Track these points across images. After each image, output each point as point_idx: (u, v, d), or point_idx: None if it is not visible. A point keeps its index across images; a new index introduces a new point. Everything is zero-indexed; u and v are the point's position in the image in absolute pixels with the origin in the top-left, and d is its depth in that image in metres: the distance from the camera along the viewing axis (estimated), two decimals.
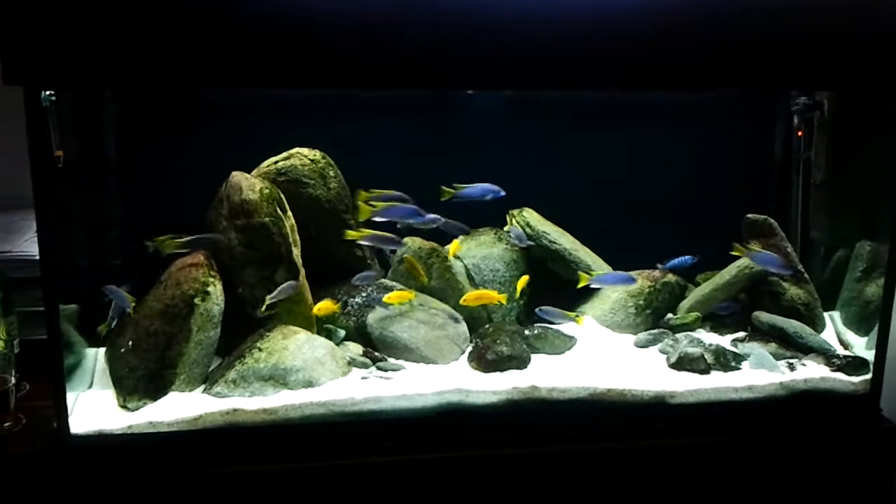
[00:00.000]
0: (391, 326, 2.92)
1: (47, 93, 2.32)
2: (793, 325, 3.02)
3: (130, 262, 2.97)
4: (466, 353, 2.95)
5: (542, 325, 3.08)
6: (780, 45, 2.47)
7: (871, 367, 2.80)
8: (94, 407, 2.57)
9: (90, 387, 2.71)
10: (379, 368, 2.80)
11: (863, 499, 2.78)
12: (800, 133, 3.36)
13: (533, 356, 2.90)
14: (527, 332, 3.01)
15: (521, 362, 2.83)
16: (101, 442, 2.44)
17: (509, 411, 2.67)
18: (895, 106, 2.74)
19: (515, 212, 3.31)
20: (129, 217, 3.08)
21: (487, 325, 3.04)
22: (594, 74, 2.47)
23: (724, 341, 3.06)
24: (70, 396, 2.45)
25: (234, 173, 2.79)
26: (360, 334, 2.95)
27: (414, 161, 3.28)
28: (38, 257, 2.37)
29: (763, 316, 3.09)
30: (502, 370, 2.80)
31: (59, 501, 2.40)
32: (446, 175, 3.25)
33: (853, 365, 2.83)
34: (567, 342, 3.02)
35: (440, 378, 2.74)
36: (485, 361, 2.82)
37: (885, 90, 2.71)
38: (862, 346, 2.97)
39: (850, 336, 3.07)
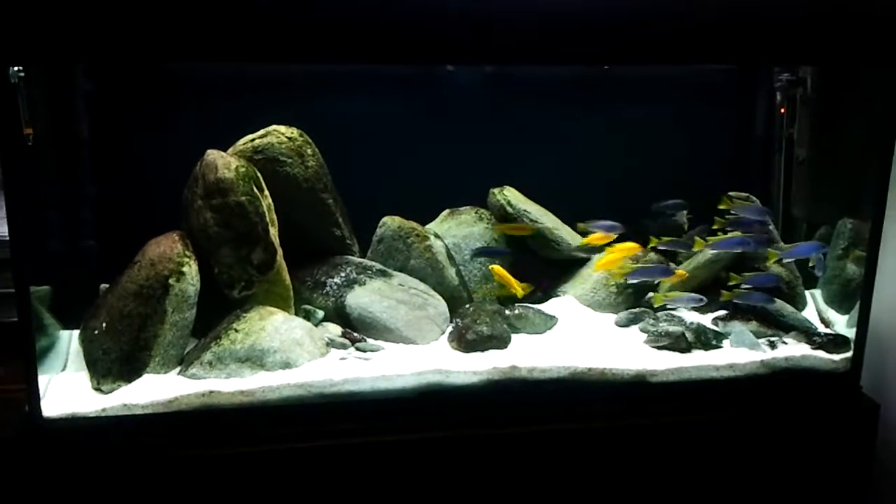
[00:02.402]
0: (370, 307, 2.89)
1: (16, 69, 2.26)
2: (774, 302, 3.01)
3: None
4: (446, 333, 2.93)
5: (523, 304, 3.06)
6: (766, 20, 2.44)
7: (852, 344, 2.80)
8: (67, 390, 2.53)
9: (63, 369, 2.67)
10: (358, 349, 2.78)
11: (843, 475, 2.79)
12: (783, 110, 3.34)
13: (513, 336, 2.89)
14: (507, 311, 2.99)
15: (501, 342, 2.82)
16: (74, 425, 2.41)
17: (489, 391, 2.66)
18: (879, 82, 2.71)
19: (496, 190, 3.28)
20: (103, 196, 3.03)
21: (468, 305, 3.01)
22: (579, 49, 2.44)
23: (705, 320, 3.05)
24: (43, 379, 2.42)
25: (209, 151, 2.74)
26: (339, 315, 2.92)
27: (393, 139, 3.26)
28: (7, 238, 2.31)
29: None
30: (482, 350, 2.78)
31: (32, 485, 2.36)
32: (426, 153, 3.24)
33: (834, 343, 2.83)
34: (548, 322, 3.00)
35: (420, 358, 2.72)
36: (465, 341, 2.79)
37: (871, 65, 2.69)
38: (843, 324, 2.97)
39: (831, 314, 3.07)
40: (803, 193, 3.29)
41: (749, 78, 3.47)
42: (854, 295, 2.85)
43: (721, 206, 3.06)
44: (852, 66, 2.90)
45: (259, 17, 2.21)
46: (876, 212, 2.70)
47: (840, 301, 3.05)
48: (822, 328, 3.00)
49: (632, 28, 2.41)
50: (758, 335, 2.89)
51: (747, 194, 3.25)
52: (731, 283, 3.00)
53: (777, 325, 2.96)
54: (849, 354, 2.80)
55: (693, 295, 2.98)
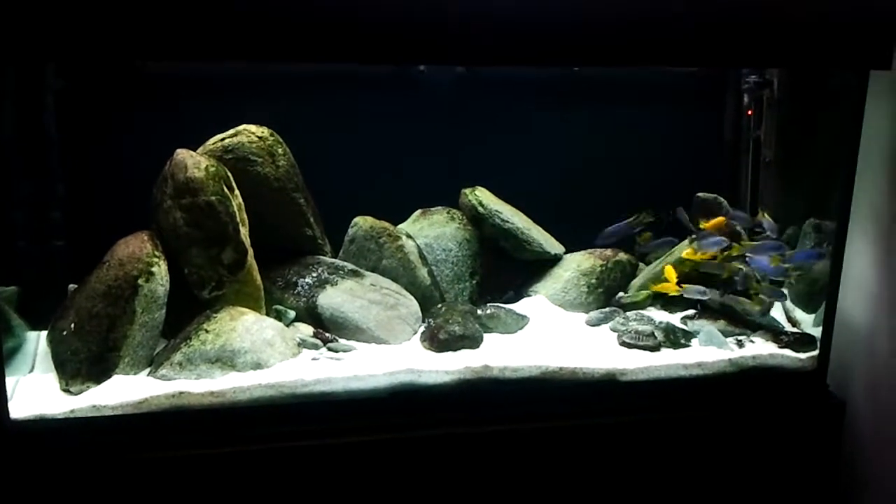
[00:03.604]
0: (342, 307, 2.88)
1: None
2: (741, 302, 3.04)
3: None
4: (419, 333, 2.93)
5: (495, 304, 3.07)
6: (735, 22, 2.47)
7: (819, 343, 2.84)
8: (35, 391, 2.50)
9: (31, 371, 2.64)
10: (330, 349, 2.77)
11: (811, 472, 2.83)
12: (750, 112, 3.38)
13: (485, 336, 2.90)
14: (479, 311, 3.00)
15: (473, 342, 2.82)
16: (43, 427, 2.38)
17: (462, 391, 2.66)
18: (845, 84, 2.75)
19: (468, 190, 3.29)
20: (71, 195, 2.99)
21: (440, 305, 3.02)
22: (550, 51, 2.44)
23: (674, 319, 3.07)
24: (10, 381, 2.40)
25: (178, 151, 2.73)
26: (311, 315, 2.91)
27: (365, 139, 3.26)
28: None
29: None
30: (455, 350, 2.78)
31: None
32: (398, 153, 3.24)
33: (801, 342, 2.87)
34: (519, 321, 3.01)
35: (392, 358, 2.71)
36: (437, 341, 2.80)
37: (836, 67, 2.72)
38: (809, 323, 3.00)
39: (798, 313, 3.10)
40: (771, 194, 3.33)
41: (716, 80, 3.51)
42: (820, 294, 2.88)
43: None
44: (818, 69, 2.94)
45: (239, 14, 2.20)
46: (841, 212, 2.74)
47: (806, 300, 3.08)
48: (788, 327, 3.04)
49: (605, 30, 2.43)
50: (726, 334, 2.92)
51: (715, 195, 3.29)
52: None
53: (745, 324, 2.99)
54: (815, 353, 2.84)
55: (700, 287, 3.01)
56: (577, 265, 3.27)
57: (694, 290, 3.01)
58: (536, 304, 3.18)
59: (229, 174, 2.77)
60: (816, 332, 2.87)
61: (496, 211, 3.23)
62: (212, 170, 2.69)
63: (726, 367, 2.79)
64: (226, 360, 2.56)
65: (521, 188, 3.32)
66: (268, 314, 2.85)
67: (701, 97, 3.51)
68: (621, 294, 3.25)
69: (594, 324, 3.08)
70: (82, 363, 2.51)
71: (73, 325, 2.56)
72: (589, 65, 3.11)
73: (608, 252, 3.29)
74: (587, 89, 3.38)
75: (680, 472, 2.75)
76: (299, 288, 2.96)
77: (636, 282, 3.29)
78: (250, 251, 2.77)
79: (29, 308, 2.74)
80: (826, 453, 2.83)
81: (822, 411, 2.82)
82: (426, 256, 3.16)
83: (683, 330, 2.94)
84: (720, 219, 3.12)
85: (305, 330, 2.86)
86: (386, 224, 3.14)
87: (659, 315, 3.11)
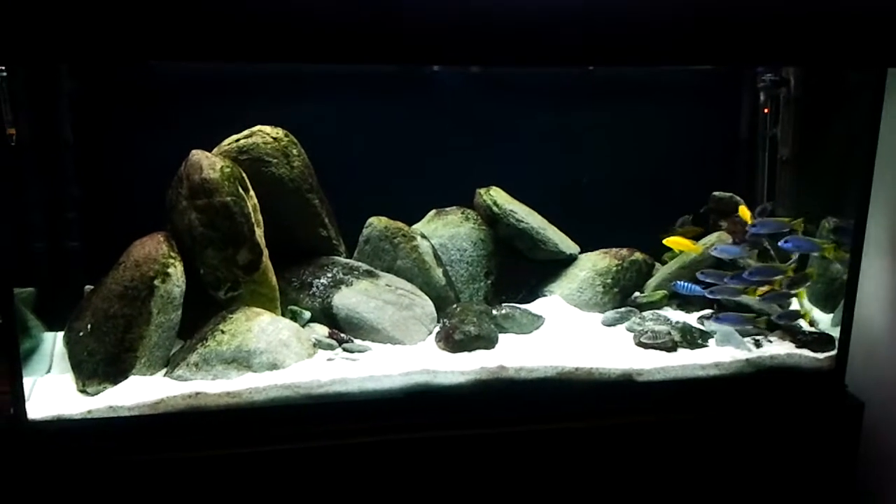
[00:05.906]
0: (357, 307, 2.88)
1: None
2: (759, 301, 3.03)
3: None
4: (434, 334, 2.92)
5: (510, 304, 3.07)
6: (752, 20, 2.45)
7: (837, 343, 2.81)
8: (52, 392, 2.51)
9: (48, 371, 2.65)
10: (345, 350, 2.77)
11: (828, 472, 2.81)
12: (766, 110, 3.36)
13: (501, 336, 2.89)
14: (494, 311, 2.99)
15: (488, 342, 2.82)
16: (60, 427, 2.39)
17: (477, 391, 2.66)
18: (862, 82, 2.73)
19: (483, 190, 3.28)
20: (88, 198, 3.00)
21: (455, 305, 3.01)
22: (563, 50, 2.43)
23: (691, 319, 3.06)
24: (27, 381, 2.40)
25: (193, 151, 2.73)
26: (326, 315, 2.91)
27: (380, 139, 3.26)
28: None
29: None
30: (470, 350, 2.78)
31: (17, 487, 2.34)
32: (412, 153, 3.23)
33: (819, 341, 2.85)
34: (535, 321, 3.00)
35: (407, 359, 2.71)
36: (452, 342, 2.79)
37: (854, 65, 2.71)
38: (827, 323, 2.98)
39: (815, 312, 3.08)
40: (787, 193, 3.31)
41: (732, 78, 3.49)
42: (838, 293, 2.86)
43: None
44: (835, 67, 2.92)
45: (250, 16, 2.20)
46: (859, 211, 2.72)
47: (824, 300, 3.06)
48: (806, 327, 3.01)
49: (620, 28, 2.41)
50: (743, 334, 2.90)
51: (731, 194, 3.27)
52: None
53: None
54: (833, 353, 2.82)
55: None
56: (592, 265, 3.26)
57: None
58: (552, 304, 3.17)
59: (244, 175, 2.77)
60: (834, 331, 2.84)
61: (511, 211, 3.22)
62: (227, 170, 2.69)
63: (743, 367, 2.77)
64: (242, 360, 2.56)
65: (536, 187, 3.31)
66: (283, 315, 2.85)
67: (717, 95, 3.49)
68: (637, 294, 3.24)
69: (610, 324, 3.06)
70: (99, 364, 2.52)
71: (89, 326, 2.57)
72: (603, 65, 3.10)
73: (624, 251, 3.28)
74: (601, 88, 3.37)
75: (697, 473, 2.73)
76: (314, 288, 2.96)
77: (652, 281, 3.27)
78: (265, 252, 2.77)
79: (45, 309, 2.75)
80: (844, 454, 2.81)
81: (840, 412, 2.79)
82: (441, 257, 3.16)
83: (700, 330, 2.92)
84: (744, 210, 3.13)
85: (321, 330, 2.86)
86: (401, 224, 3.14)
87: (675, 315, 3.10)
